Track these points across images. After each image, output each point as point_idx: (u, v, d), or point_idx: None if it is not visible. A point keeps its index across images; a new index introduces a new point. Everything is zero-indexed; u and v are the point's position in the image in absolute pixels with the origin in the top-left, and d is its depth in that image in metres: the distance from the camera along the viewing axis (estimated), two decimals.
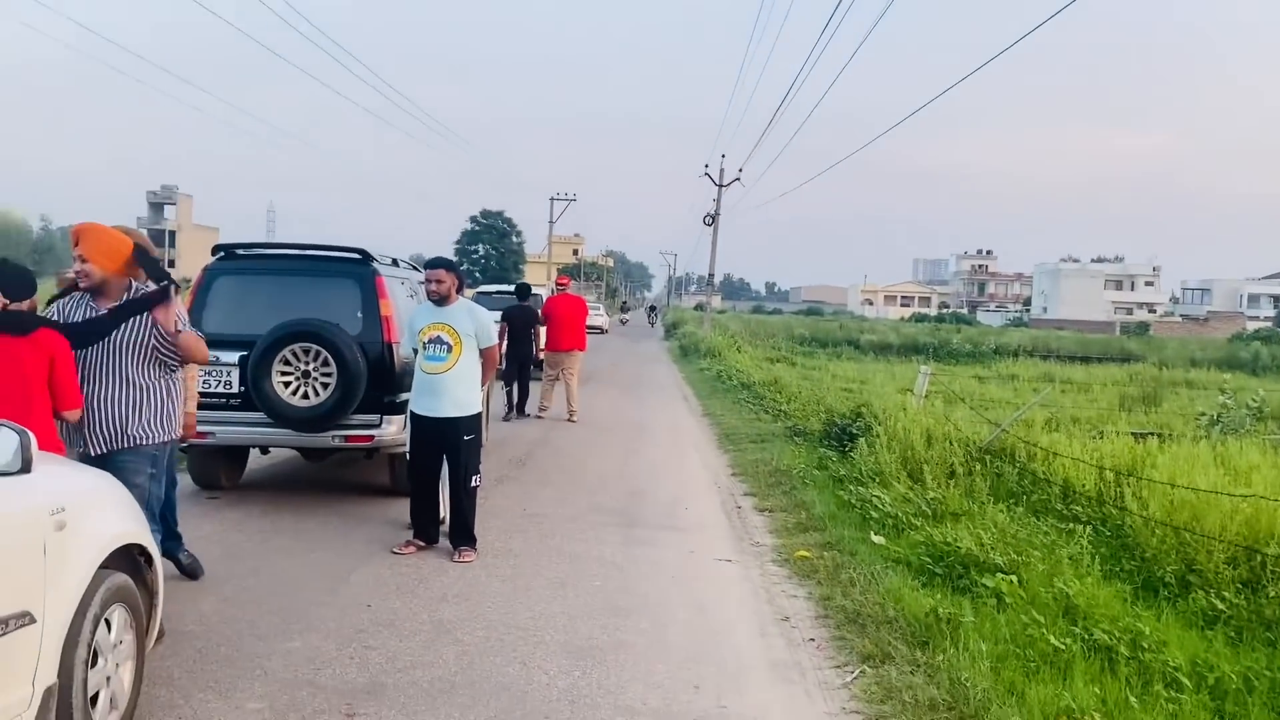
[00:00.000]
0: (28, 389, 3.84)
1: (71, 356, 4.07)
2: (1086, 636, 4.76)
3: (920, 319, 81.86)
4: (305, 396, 6.89)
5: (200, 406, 7.08)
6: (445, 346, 6.04)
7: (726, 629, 5.14)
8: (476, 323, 6.13)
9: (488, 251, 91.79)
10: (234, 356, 6.86)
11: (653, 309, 48.57)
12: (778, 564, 6.45)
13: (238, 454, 7.88)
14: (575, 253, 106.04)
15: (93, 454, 4.30)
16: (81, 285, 4.38)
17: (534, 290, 17.37)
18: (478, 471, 6.24)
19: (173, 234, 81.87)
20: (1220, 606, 5.47)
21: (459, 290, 6.30)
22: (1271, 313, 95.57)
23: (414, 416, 6.18)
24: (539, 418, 13.30)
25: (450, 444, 6.13)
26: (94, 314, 4.35)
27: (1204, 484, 8.13)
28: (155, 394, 4.50)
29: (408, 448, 7.26)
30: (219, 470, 7.68)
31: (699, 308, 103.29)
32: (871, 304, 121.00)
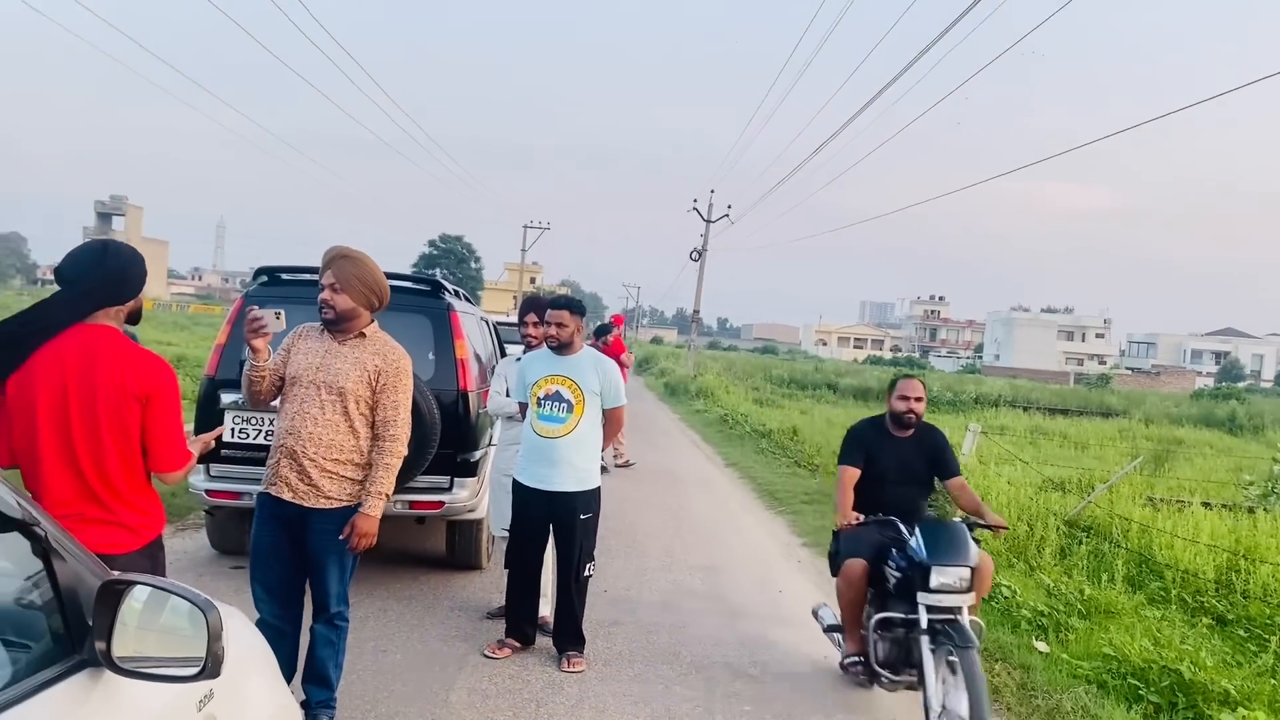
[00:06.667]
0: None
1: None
2: None
3: (875, 361, 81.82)
4: None
5: (235, 460, 5.93)
6: (565, 405, 4.93)
7: None
8: (604, 377, 5.02)
9: (446, 276, 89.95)
10: None
11: None
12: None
13: None
14: (532, 280, 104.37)
15: None
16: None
17: None
18: (592, 558, 5.11)
19: None
20: None
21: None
22: (1214, 368, 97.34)
23: (520, 488, 5.04)
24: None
25: (563, 523, 4.99)
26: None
27: None
28: None
29: (483, 517, 6.16)
30: (243, 532, 6.43)
31: (655, 341, 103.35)
32: (825, 344, 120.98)
